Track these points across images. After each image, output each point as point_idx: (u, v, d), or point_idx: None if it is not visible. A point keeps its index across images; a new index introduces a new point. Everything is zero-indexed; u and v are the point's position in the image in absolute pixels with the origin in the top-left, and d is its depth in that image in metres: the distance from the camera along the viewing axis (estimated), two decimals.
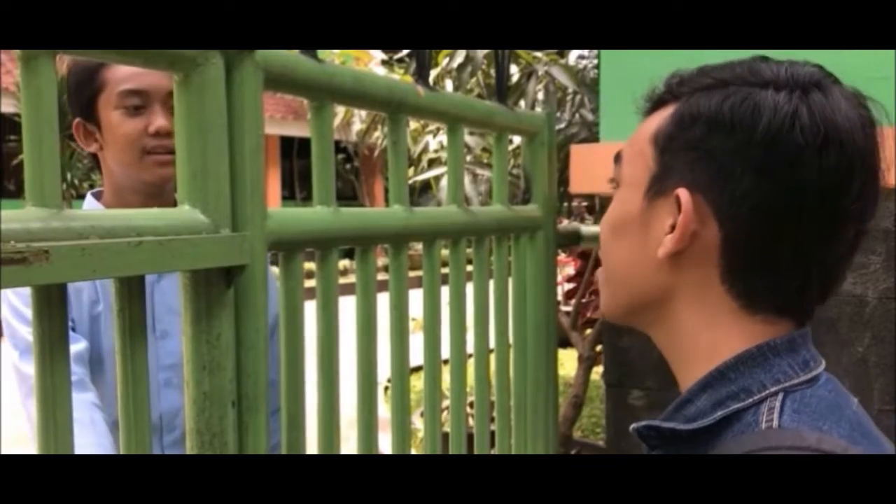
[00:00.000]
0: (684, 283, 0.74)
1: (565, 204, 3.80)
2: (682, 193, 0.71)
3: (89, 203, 1.50)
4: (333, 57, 5.07)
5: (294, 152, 15.72)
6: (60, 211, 0.69)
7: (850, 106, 0.71)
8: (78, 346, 1.37)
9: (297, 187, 16.13)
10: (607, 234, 0.81)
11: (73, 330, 1.41)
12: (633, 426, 0.77)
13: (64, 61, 1.43)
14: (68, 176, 10.05)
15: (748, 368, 0.71)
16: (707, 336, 0.74)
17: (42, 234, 0.65)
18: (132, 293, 0.79)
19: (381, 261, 6.13)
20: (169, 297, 1.44)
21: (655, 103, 0.79)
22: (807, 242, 0.71)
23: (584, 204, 4.14)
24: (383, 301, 1.14)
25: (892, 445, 0.71)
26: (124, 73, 1.38)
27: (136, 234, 0.73)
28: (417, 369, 1.31)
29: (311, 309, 1.01)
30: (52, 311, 0.71)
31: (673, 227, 0.72)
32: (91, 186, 10.91)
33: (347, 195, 15.51)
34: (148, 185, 1.43)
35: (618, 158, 0.82)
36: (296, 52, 1.00)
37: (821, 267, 0.72)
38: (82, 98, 1.42)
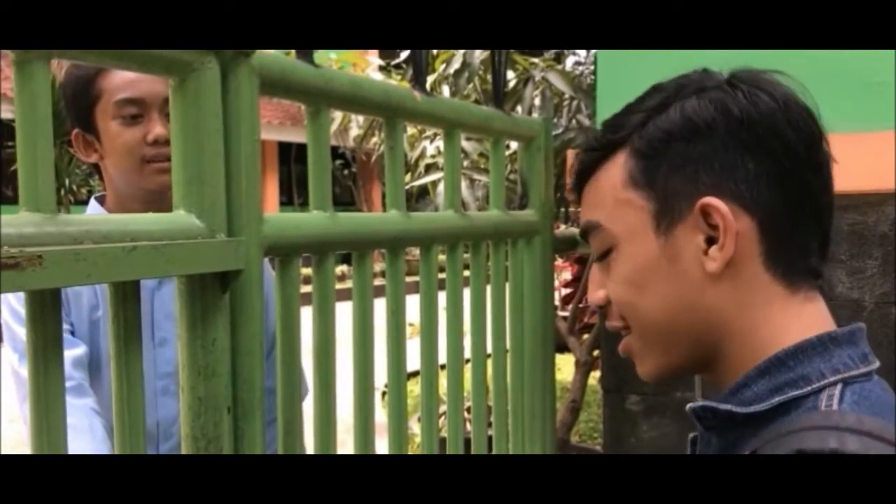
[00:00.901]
0: (736, 290, 0.73)
1: (563, 209, 3.80)
2: (711, 200, 0.72)
3: (93, 208, 1.50)
4: (331, 62, 5.08)
5: (292, 158, 15.72)
6: (55, 216, 0.68)
7: (766, 76, 0.77)
8: (77, 350, 1.37)
9: (295, 193, 16.12)
10: (630, 294, 0.77)
11: (73, 334, 1.41)
12: (689, 406, 0.75)
13: (62, 67, 1.43)
14: (66, 181, 10.03)
15: (807, 357, 0.70)
16: (764, 332, 0.73)
17: (36, 238, 0.65)
18: (127, 298, 0.79)
19: (380, 266, 6.13)
20: (168, 304, 1.43)
21: (586, 171, 0.80)
22: (811, 196, 0.74)
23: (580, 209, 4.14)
24: (381, 306, 1.14)
25: None
26: (120, 82, 1.38)
27: (131, 238, 0.73)
28: (415, 374, 1.31)
29: (309, 314, 1.00)
30: (45, 316, 0.70)
31: (708, 240, 0.73)
32: (90, 192, 10.90)
33: (345, 201, 15.50)
34: (148, 192, 1.43)
35: (590, 229, 0.79)
36: (292, 56, 1.00)
37: (825, 218, 0.76)
38: (79, 108, 1.41)
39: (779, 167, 0.73)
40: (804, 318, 0.73)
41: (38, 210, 0.68)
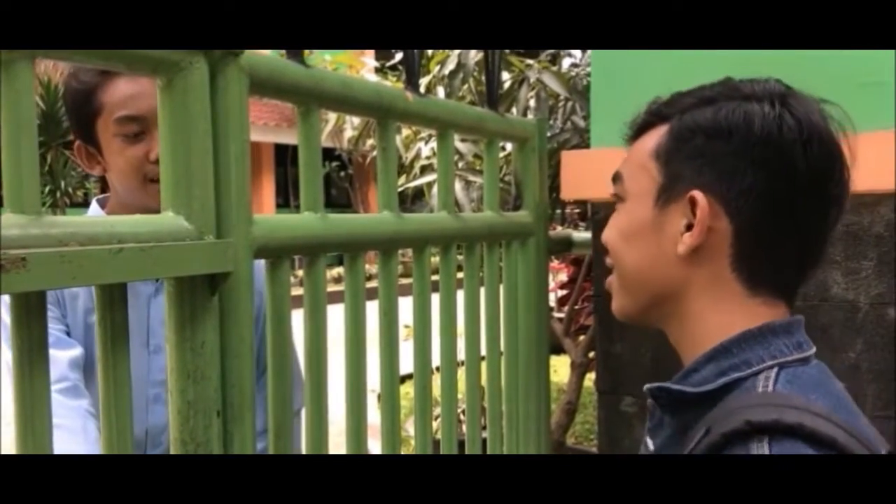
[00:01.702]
0: (698, 275, 0.84)
1: (558, 211, 3.79)
2: (697, 195, 0.81)
3: (94, 210, 1.49)
4: (326, 64, 5.06)
5: (288, 160, 15.69)
6: (39, 217, 0.68)
7: (816, 105, 0.83)
8: (73, 351, 1.36)
9: (291, 195, 16.10)
10: (619, 242, 0.90)
11: (68, 335, 1.40)
12: (646, 386, 0.87)
13: (57, 70, 1.41)
14: (62, 184, 10.01)
15: (749, 345, 0.81)
16: (716, 319, 0.84)
17: (20, 240, 0.64)
18: (114, 301, 0.78)
19: (375, 268, 6.10)
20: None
21: (641, 127, 0.89)
22: (801, 224, 0.82)
23: (577, 210, 4.13)
24: (375, 308, 1.13)
25: (868, 424, 0.79)
26: (120, 98, 1.35)
27: (118, 240, 0.72)
28: (410, 376, 1.30)
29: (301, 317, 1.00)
30: (31, 319, 0.70)
31: (688, 227, 0.82)
32: (86, 194, 10.87)
33: (342, 202, 15.48)
34: (152, 210, 1.41)
35: (617, 178, 0.91)
36: (282, 56, 0.99)
37: (812, 245, 0.84)
38: (80, 121, 1.39)
39: (776, 189, 0.80)
40: (753, 316, 0.83)
41: (23, 211, 0.67)
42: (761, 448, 0.69)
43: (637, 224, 0.87)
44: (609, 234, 0.91)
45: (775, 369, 0.79)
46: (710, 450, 0.72)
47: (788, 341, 0.82)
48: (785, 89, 0.84)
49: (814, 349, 0.83)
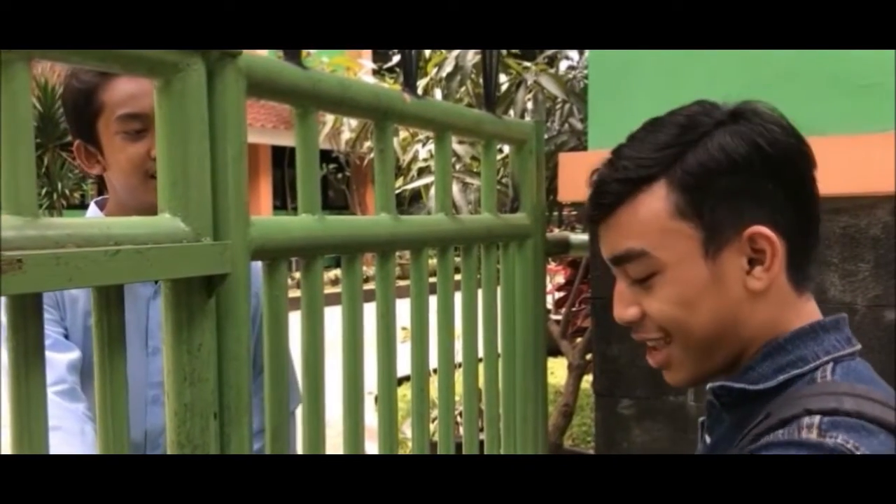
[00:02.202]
0: (766, 300, 0.85)
1: (555, 213, 3.79)
2: (760, 229, 0.82)
3: (92, 211, 1.49)
4: (323, 66, 5.06)
5: (285, 162, 15.68)
6: (36, 219, 0.67)
7: (766, 108, 0.87)
8: (72, 354, 1.35)
9: (288, 197, 16.09)
10: (682, 312, 0.85)
11: (67, 338, 1.39)
12: (709, 385, 0.88)
13: (55, 72, 1.41)
14: (59, 185, 9.99)
15: (802, 342, 0.84)
16: (776, 329, 0.86)
17: (16, 242, 0.64)
18: (111, 303, 0.78)
19: (372, 270, 6.10)
20: None
21: (615, 201, 0.86)
22: (814, 208, 0.87)
23: (574, 213, 4.13)
24: (372, 310, 1.13)
25: None
26: (122, 96, 1.35)
27: (115, 242, 0.72)
28: (407, 378, 1.30)
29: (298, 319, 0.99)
30: (27, 322, 0.69)
31: (750, 262, 0.83)
32: (83, 196, 10.85)
33: (339, 205, 15.47)
34: (152, 207, 1.40)
35: (631, 256, 0.85)
36: (280, 58, 0.99)
37: (818, 224, 0.88)
38: (81, 121, 1.39)
39: (795, 192, 0.84)
40: (802, 314, 0.86)
41: (19, 213, 0.67)
42: (812, 421, 0.72)
43: (696, 285, 0.84)
44: (658, 310, 0.86)
45: (831, 364, 0.82)
46: (767, 430, 0.75)
47: (839, 336, 0.85)
48: (734, 106, 0.86)
49: (860, 345, 0.86)
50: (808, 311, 0.87)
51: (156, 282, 1.38)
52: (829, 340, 0.84)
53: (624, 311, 0.89)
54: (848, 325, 0.87)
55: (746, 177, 0.83)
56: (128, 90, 1.34)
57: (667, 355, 0.89)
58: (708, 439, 0.92)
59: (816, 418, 0.72)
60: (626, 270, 0.87)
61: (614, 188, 0.86)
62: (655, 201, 0.84)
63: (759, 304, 0.85)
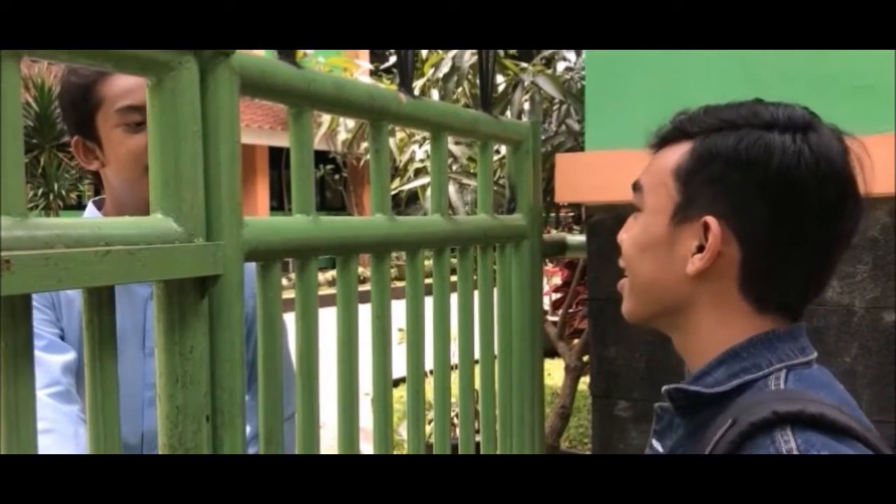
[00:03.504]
0: (705, 293, 0.88)
1: (552, 214, 3.79)
2: (711, 221, 0.84)
3: (90, 211, 1.47)
4: (320, 66, 5.05)
5: (283, 163, 15.66)
6: (25, 219, 0.66)
7: (836, 140, 0.86)
8: (67, 356, 1.34)
9: (285, 198, 16.07)
10: (633, 250, 0.93)
11: (62, 339, 1.38)
12: (664, 387, 0.90)
13: (52, 72, 1.40)
14: (55, 186, 9.96)
15: (757, 349, 0.86)
16: (723, 333, 0.88)
17: (4, 242, 0.63)
18: (102, 304, 0.77)
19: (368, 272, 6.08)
20: None
21: (666, 139, 0.91)
22: (808, 257, 0.85)
23: (571, 214, 4.13)
24: (367, 312, 1.12)
25: (869, 422, 0.82)
26: (121, 89, 1.34)
27: (105, 243, 0.71)
28: (403, 380, 1.29)
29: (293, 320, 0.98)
30: (16, 323, 0.68)
31: (699, 248, 0.86)
32: (79, 197, 10.81)
33: (336, 205, 15.45)
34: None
35: (637, 187, 0.93)
36: (273, 57, 0.98)
37: (818, 273, 0.88)
38: (79, 115, 1.38)
39: (788, 223, 0.83)
40: (765, 327, 0.87)
41: (8, 213, 0.66)
42: (785, 435, 0.74)
43: (651, 237, 0.90)
44: (624, 240, 0.95)
45: (784, 371, 0.84)
46: (739, 438, 0.76)
47: (793, 346, 0.87)
48: (808, 119, 0.86)
49: (815, 354, 0.88)
50: (766, 328, 0.88)
51: None
52: (783, 349, 0.86)
53: (620, 234, 0.96)
54: (805, 336, 0.89)
55: (738, 178, 0.84)
56: (126, 84, 1.33)
57: (623, 283, 0.96)
58: (659, 447, 0.93)
59: (788, 430, 0.74)
60: (633, 199, 0.94)
61: (667, 130, 0.92)
62: (673, 154, 0.89)
63: (696, 292, 0.87)
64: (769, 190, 0.83)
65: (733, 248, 0.85)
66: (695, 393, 0.87)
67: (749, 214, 0.84)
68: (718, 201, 0.85)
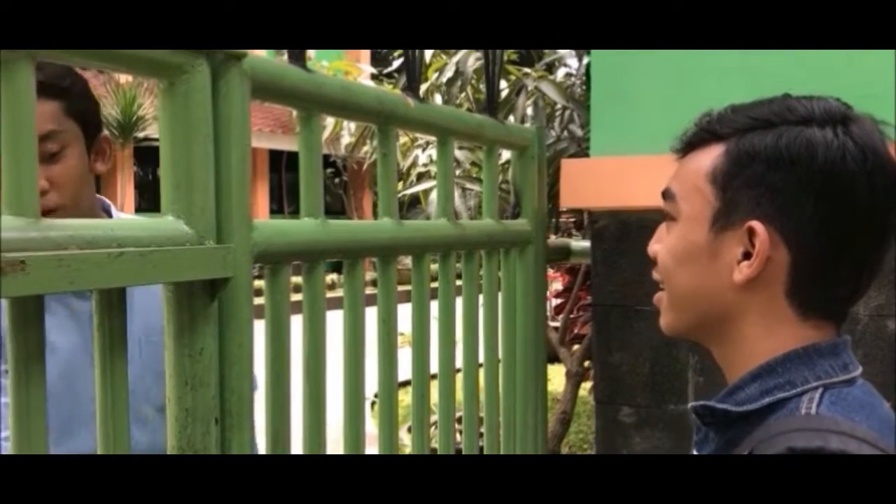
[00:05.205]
0: (752, 301, 0.83)
1: (554, 219, 3.79)
2: (757, 225, 0.80)
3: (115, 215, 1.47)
4: (323, 70, 5.05)
5: (283, 166, 15.67)
6: (38, 220, 0.67)
7: (876, 130, 0.81)
8: None
9: (285, 201, 16.07)
10: (671, 262, 0.88)
11: None
12: (691, 404, 0.86)
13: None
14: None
15: (794, 365, 0.81)
16: (768, 343, 0.83)
17: (18, 243, 0.63)
18: (113, 306, 0.77)
19: (372, 275, 6.09)
20: None
21: (692, 142, 0.87)
22: (861, 255, 0.82)
23: (572, 220, 4.13)
24: (373, 316, 1.12)
25: None
26: None
27: (118, 244, 0.71)
28: (406, 384, 1.29)
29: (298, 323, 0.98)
30: (28, 324, 0.68)
31: (745, 255, 0.81)
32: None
33: (336, 209, 15.46)
34: None
35: (668, 195, 0.89)
36: (284, 61, 0.98)
37: (867, 271, 0.83)
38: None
39: (837, 220, 0.79)
40: (802, 339, 0.82)
41: (22, 214, 0.66)
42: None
43: (691, 247, 0.86)
44: (659, 252, 0.90)
45: (819, 390, 0.79)
46: None
47: (834, 362, 0.81)
48: (845, 111, 0.82)
49: (860, 369, 0.83)
50: (811, 339, 0.83)
51: None
52: (822, 365, 0.81)
53: (651, 245, 0.91)
54: (848, 351, 0.84)
55: (782, 178, 0.80)
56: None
57: (660, 296, 0.91)
58: None
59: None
60: (664, 208, 0.90)
61: (694, 133, 0.88)
62: (705, 158, 0.85)
63: (743, 301, 0.83)
64: (815, 188, 0.79)
65: (781, 252, 0.81)
66: (722, 411, 0.83)
67: (796, 215, 0.79)
68: (762, 204, 0.80)
